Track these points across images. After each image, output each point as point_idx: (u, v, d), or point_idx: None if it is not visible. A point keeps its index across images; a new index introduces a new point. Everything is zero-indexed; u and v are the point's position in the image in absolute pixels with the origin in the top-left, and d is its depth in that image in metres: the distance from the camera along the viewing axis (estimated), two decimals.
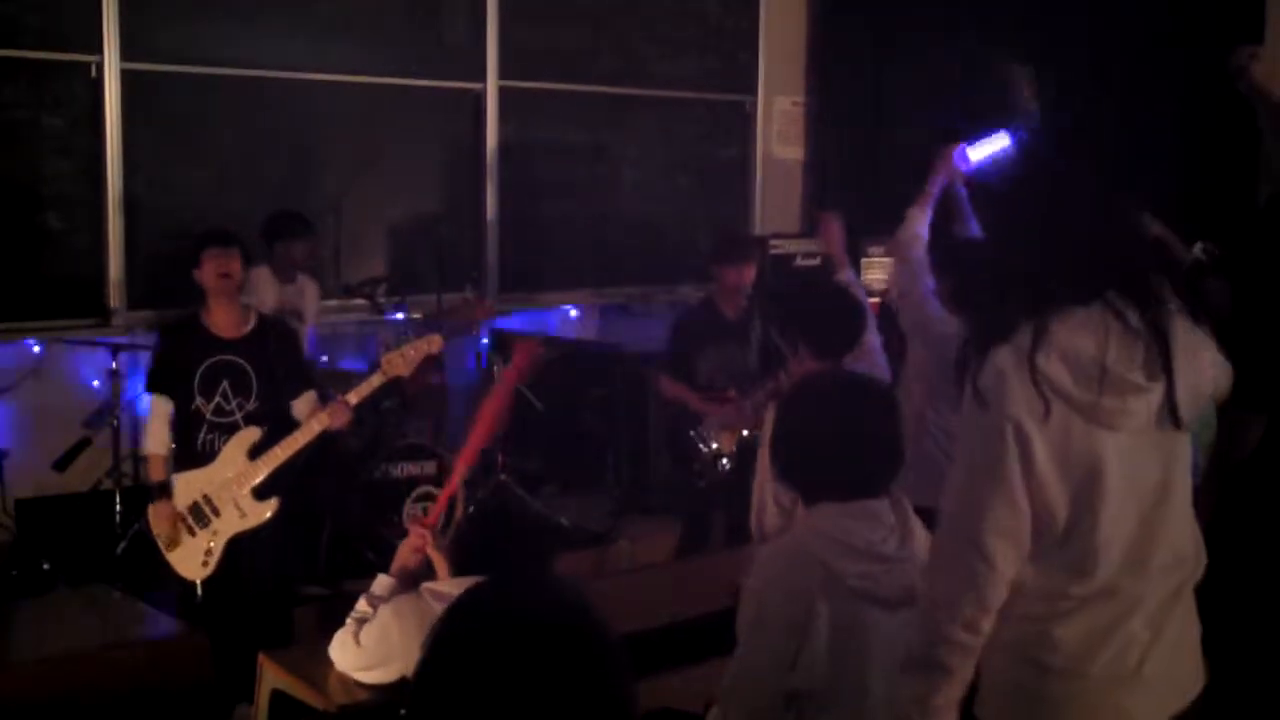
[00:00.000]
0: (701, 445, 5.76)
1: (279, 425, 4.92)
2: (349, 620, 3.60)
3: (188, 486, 4.90)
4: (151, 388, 5.00)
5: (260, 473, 4.84)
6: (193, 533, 4.89)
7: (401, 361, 4.89)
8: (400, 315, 6.85)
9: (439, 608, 3.30)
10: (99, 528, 6.12)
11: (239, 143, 6.86)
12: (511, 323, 7.72)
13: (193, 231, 6.59)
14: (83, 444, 6.17)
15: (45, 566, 5.87)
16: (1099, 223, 2.41)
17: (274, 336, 5.02)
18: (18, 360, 6.36)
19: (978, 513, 2.35)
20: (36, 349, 6.40)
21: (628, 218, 8.35)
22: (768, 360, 5.99)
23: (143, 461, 5.49)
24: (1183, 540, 2.47)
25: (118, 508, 6.13)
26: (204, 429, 4.90)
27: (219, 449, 4.88)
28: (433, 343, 4.94)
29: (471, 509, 3.89)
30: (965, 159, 5.09)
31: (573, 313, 8.16)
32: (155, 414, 4.98)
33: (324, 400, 5.01)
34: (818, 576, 2.61)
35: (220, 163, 6.81)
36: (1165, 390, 2.34)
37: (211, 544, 4.87)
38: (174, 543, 4.91)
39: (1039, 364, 2.30)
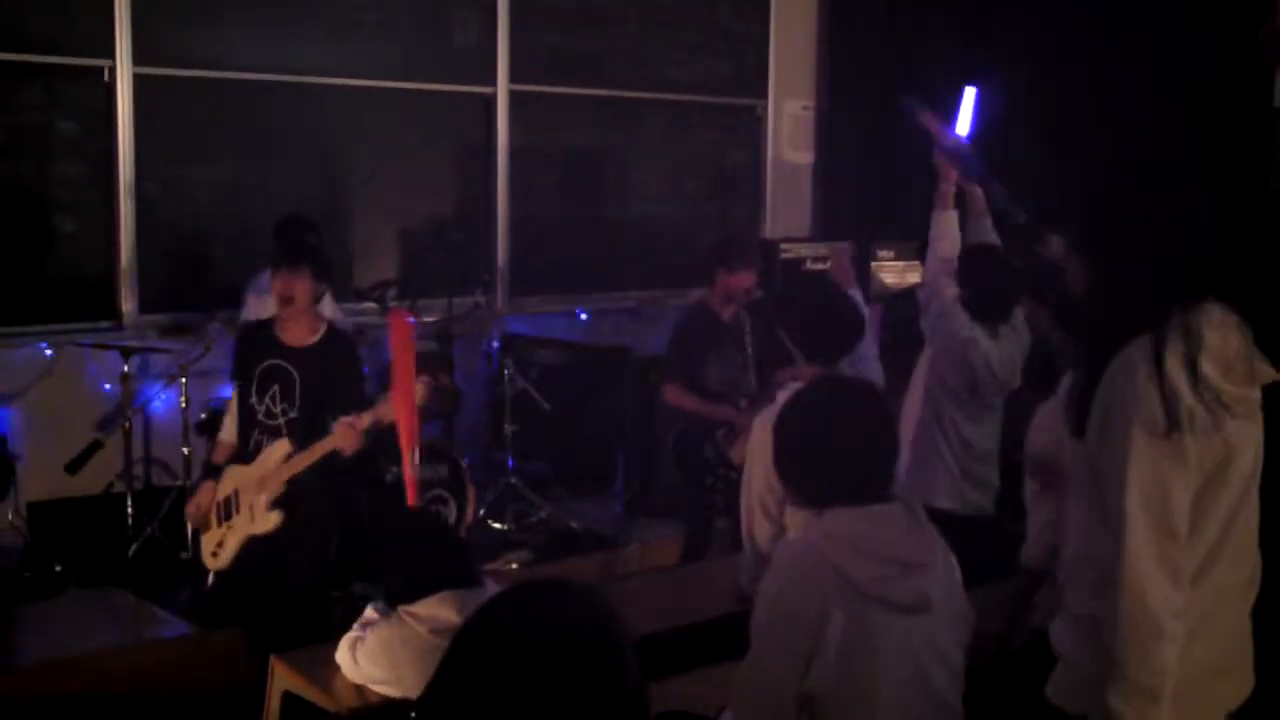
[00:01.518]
0: (712, 455, 5.76)
1: (315, 436, 4.92)
2: (355, 626, 3.62)
3: (229, 479, 5.04)
4: (232, 378, 5.23)
5: (276, 480, 4.91)
6: (218, 523, 5.02)
7: (390, 410, 4.78)
8: (411, 319, 6.84)
9: (423, 630, 3.33)
10: (111, 530, 6.14)
11: (250, 146, 6.88)
12: (522, 326, 7.74)
13: (205, 234, 6.71)
14: (94, 447, 6.18)
15: (57, 569, 5.90)
16: (1200, 226, 2.46)
17: (335, 352, 5.07)
18: (30, 363, 6.39)
19: (1146, 564, 2.31)
20: (49, 352, 6.42)
21: (638, 221, 8.36)
22: (762, 367, 5.99)
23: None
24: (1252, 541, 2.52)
25: (129, 510, 6.15)
26: (256, 429, 5.02)
27: (263, 450, 4.97)
28: (427, 384, 4.83)
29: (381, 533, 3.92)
30: (959, 140, 5.10)
31: (582, 316, 8.17)
32: (232, 408, 5.19)
33: None
34: (831, 580, 2.60)
35: (232, 166, 6.83)
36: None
37: (224, 538, 4.99)
38: (205, 525, 5.06)
39: (1199, 367, 2.33)
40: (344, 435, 4.81)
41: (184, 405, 6.21)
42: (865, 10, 8.83)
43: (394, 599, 3.50)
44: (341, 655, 3.57)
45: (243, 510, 4.95)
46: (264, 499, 4.89)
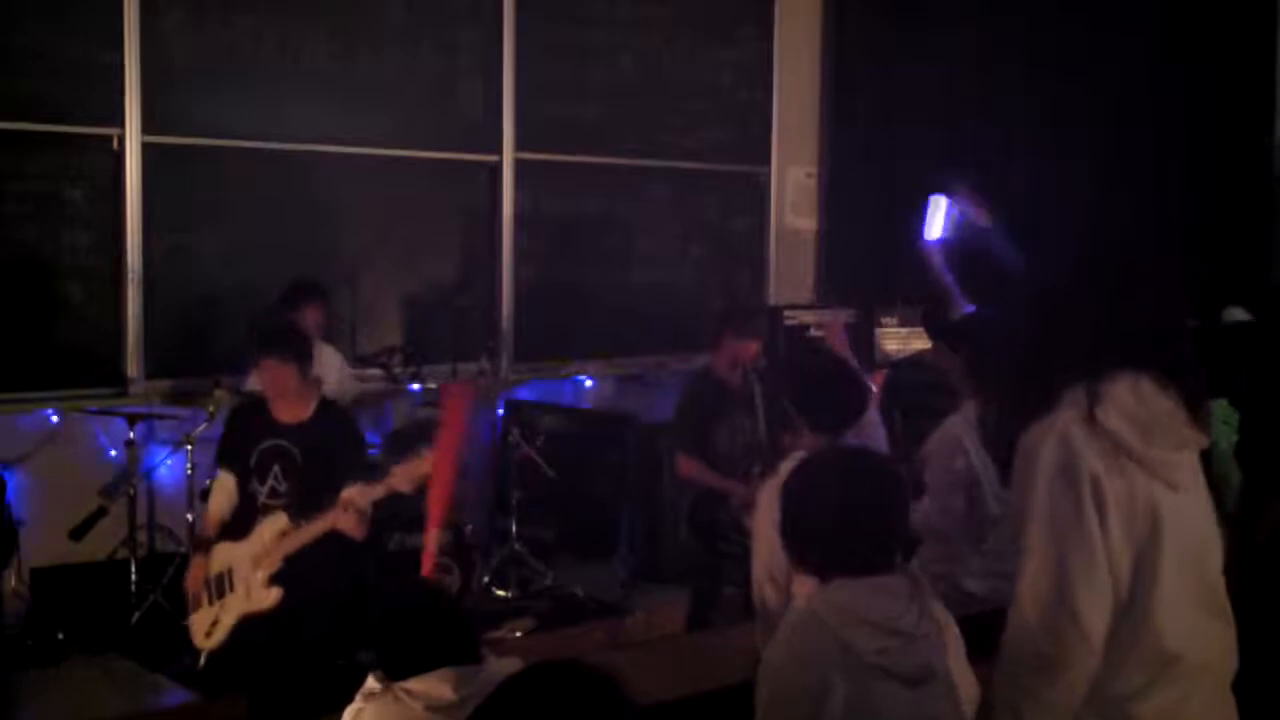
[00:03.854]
0: (728, 526, 5.75)
1: (319, 511, 4.87)
2: (357, 697, 3.59)
3: (219, 556, 4.97)
4: (219, 463, 5.18)
5: (274, 556, 4.84)
6: (210, 601, 4.92)
7: (406, 479, 4.74)
8: (416, 386, 6.87)
9: (418, 706, 3.30)
10: (114, 597, 6.12)
11: (257, 214, 6.93)
12: (527, 393, 7.75)
13: (211, 301, 6.73)
14: (99, 513, 6.17)
15: (60, 636, 5.88)
16: (1142, 299, 2.52)
17: (333, 424, 5.05)
18: (36, 429, 6.40)
19: (1063, 573, 2.38)
20: (54, 418, 6.43)
21: (642, 288, 8.39)
22: (774, 432, 6.00)
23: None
24: (1224, 609, 2.51)
25: (133, 577, 6.14)
26: (258, 511, 4.95)
27: (257, 526, 4.91)
28: (423, 465, 4.76)
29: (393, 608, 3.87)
30: (936, 242, 5.18)
31: (588, 382, 8.18)
32: (219, 486, 5.12)
33: None
34: (834, 651, 2.60)
35: (238, 234, 6.87)
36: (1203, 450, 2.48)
37: (218, 617, 4.88)
38: (197, 604, 4.99)
39: (1100, 419, 2.39)
40: (343, 513, 4.71)
41: (189, 472, 6.21)
42: (867, 78, 8.90)
43: (391, 673, 3.47)
44: None
45: (237, 588, 4.86)
46: (261, 575, 4.83)
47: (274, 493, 4.91)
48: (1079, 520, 2.38)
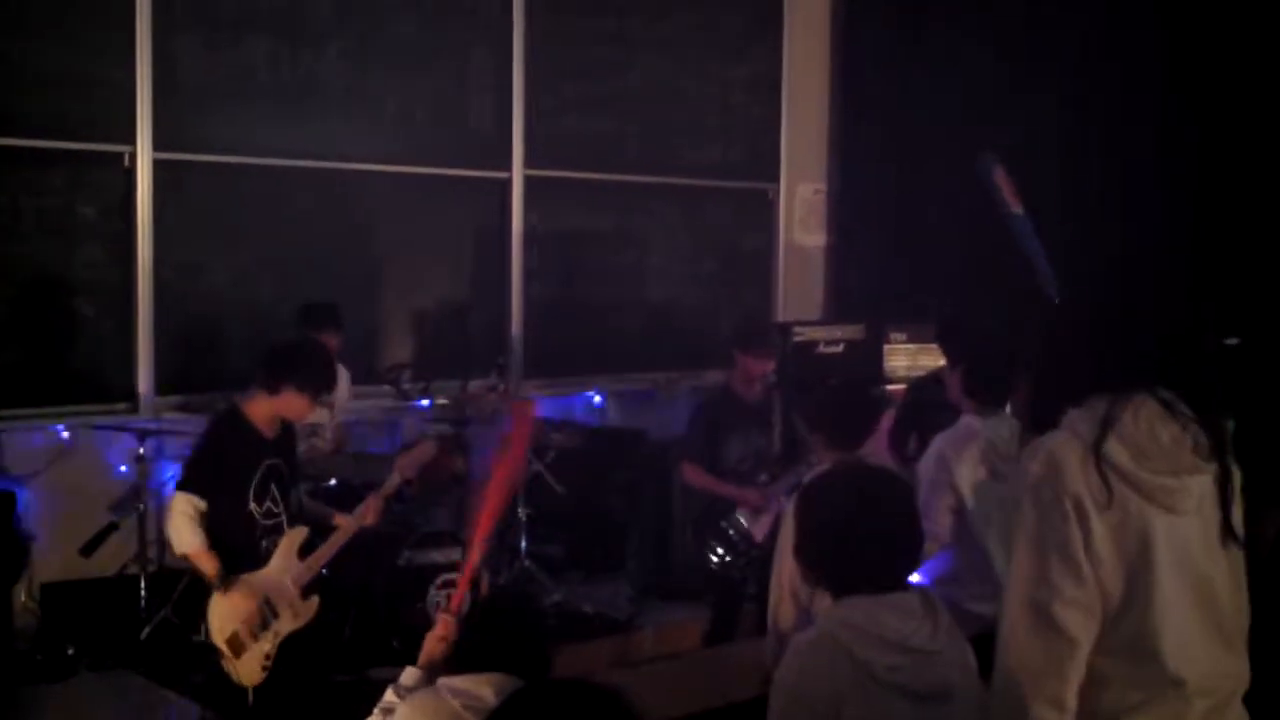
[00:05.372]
0: (734, 533, 5.75)
1: (303, 522, 4.96)
2: (376, 711, 3.59)
3: (251, 590, 4.72)
4: (186, 486, 4.76)
5: (313, 571, 4.83)
6: (256, 638, 4.74)
7: (412, 465, 5.12)
8: (426, 402, 6.88)
9: (456, 704, 3.29)
10: (124, 613, 6.12)
11: (268, 230, 6.95)
12: (537, 410, 7.74)
13: (222, 318, 6.75)
14: (109, 529, 6.19)
15: (70, 651, 5.87)
16: (1161, 320, 2.55)
17: (290, 434, 5.06)
18: (46, 445, 6.41)
19: (1047, 586, 2.40)
20: (65, 434, 6.44)
21: (652, 304, 8.41)
22: (790, 445, 6.00)
23: (186, 562, 5.01)
24: (1232, 636, 2.51)
25: (143, 593, 6.14)
26: (257, 532, 4.79)
27: (273, 551, 4.83)
28: (427, 449, 5.20)
29: (478, 602, 3.84)
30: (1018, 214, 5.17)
31: (597, 399, 8.18)
32: (184, 512, 4.70)
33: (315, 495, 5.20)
34: (846, 669, 2.60)
35: (249, 250, 6.89)
36: (1218, 474, 2.46)
37: (270, 647, 4.76)
38: (240, 648, 4.71)
39: (1104, 449, 2.40)
40: (374, 511, 4.96)
41: None
42: (876, 95, 8.91)
43: (451, 663, 3.47)
44: None
45: (282, 612, 4.76)
46: (298, 591, 4.79)
47: (269, 513, 4.84)
48: (1062, 536, 2.40)
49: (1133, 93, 7.25)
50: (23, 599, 6.11)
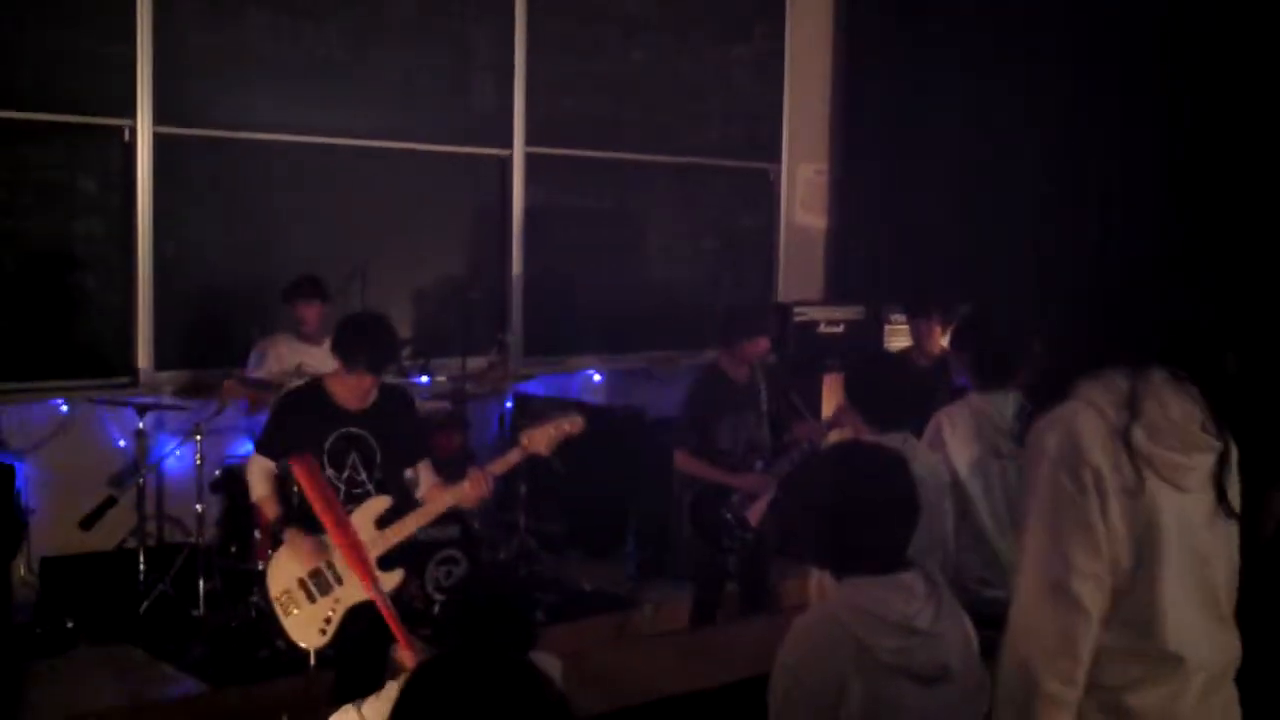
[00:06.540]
0: (731, 518, 5.75)
1: (398, 494, 4.81)
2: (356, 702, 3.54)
3: (313, 550, 4.69)
4: (258, 448, 4.89)
5: (390, 542, 4.67)
6: (313, 599, 4.69)
7: (543, 440, 4.72)
8: (425, 379, 6.88)
9: None
10: (123, 587, 6.14)
11: (268, 205, 6.94)
12: (536, 387, 7.75)
13: (222, 292, 6.74)
14: (108, 503, 6.19)
15: (69, 625, 5.89)
16: (1171, 298, 2.56)
17: (396, 406, 4.94)
18: (45, 419, 6.41)
19: (1062, 559, 2.41)
20: (64, 408, 6.44)
21: (652, 283, 8.41)
22: (778, 428, 6.00)
23: (254, 509, 5.30)
24: (1227, 615, 2.53)
25: (141, 567, 6.15)
26: (340, 498, 4.66)
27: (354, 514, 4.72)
28: (574, 424, 4.75)
29: (456, 582, 3.80)
30: None
31: (596, 376, 8.18)
32: (257, 465, 4.86)
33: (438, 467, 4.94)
34: (850, 651, 2.59)
35: (250, 225, 6.89)
36: (1221, 452, 2.47)
37: (332, 612, 4.68)
38: (289, 606, 4.71)
39: (1130, 432, 2.41)
40: (477, 485, 4.69)
41: (199, 463, 6.21)
42: (877, 75, 8.91)
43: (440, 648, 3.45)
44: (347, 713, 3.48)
45: (347, 579, 4.62)
46: (373, 561, 4.53)
47: (352, 481, 4.78)
48: (1080, 505, 2.40)
49: (1138, 64, 7.23)
50: (22, 572, 6.12)
